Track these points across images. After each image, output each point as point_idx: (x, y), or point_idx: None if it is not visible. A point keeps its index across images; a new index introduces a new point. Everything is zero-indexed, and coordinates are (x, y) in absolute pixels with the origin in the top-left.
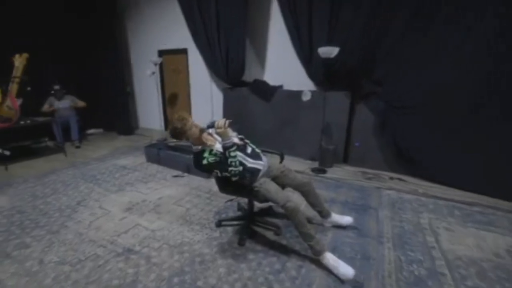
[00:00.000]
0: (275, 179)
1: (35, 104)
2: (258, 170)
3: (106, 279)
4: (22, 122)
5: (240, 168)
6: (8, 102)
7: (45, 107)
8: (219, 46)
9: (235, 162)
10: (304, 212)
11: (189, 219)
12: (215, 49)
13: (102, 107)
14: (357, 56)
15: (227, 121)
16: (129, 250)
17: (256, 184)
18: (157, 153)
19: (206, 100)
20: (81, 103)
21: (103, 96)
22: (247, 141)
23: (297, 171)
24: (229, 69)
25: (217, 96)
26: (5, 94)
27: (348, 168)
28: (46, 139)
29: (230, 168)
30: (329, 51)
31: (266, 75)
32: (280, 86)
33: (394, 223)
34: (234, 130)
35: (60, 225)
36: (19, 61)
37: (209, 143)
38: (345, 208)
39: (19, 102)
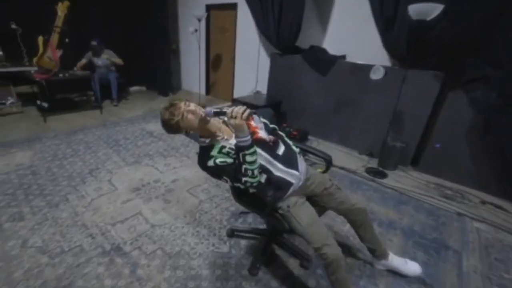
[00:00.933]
0: (313, 197)
1: (74, 57)
2: (289, 184)
3: None
4: (60, 75)
5: (260, 178)
6: (49, 52)
7: (81, 62)
8: (272, 0)
9: (251, 170)
10: (343, 232)
11: (198, 218)
12: (267, 4)
13: (146, 64)
14: (467, 23)
15: (247, 111)
16: (118, 249)
17: (282, 205)
18: None
19: (251, 67)
20: (117, 60)
21: (147, 52)
22: (281, 133)
23: (345, 170)
24: (281, 30)
25: (265, 63)
26: (46, 44)
27: (418, 176)
28: (87, 94)
29: (244, 178)
30: (426, 10)
31: (327, 41)
32: (342, 57)
33: (489, 285)
34: (259, 121)
35: (62, 197)
36: (61, 10)
37: (224, 135)
38: (408, 241)
39: (59, 53)
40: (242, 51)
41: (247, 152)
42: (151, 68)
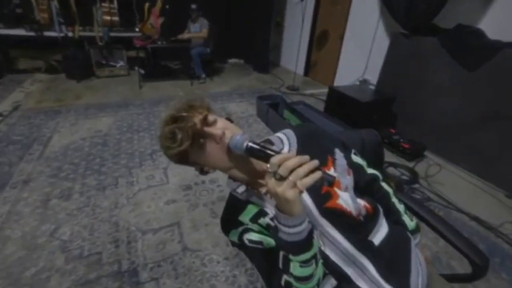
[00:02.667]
0: None
1: (173, 25)
2: None
3: None
4: (159, 43)
5: None
6: (151, 19)
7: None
8: None
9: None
10: None
11: (241, 255)
12: None
13: (246, 36)
14: None
15: (317, 173)
16: (133, 274)
17: None
18: (266, 111)
19: (362, 48)
20: (203, 33)
21: (248, 23)
22: (387, 189)
23: (478, 222)
24: (414, 3)
25: (381, 45)
26: (150, 11)
27: None
28: (186, 63)
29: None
30: None
31: (488, 19)
32: (509, 44)
33: None
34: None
35: (113, 179)
36: None
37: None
38: None
39: (160, 20)
40: (354, 28)
41: (293, 258)
42: (250, 40)
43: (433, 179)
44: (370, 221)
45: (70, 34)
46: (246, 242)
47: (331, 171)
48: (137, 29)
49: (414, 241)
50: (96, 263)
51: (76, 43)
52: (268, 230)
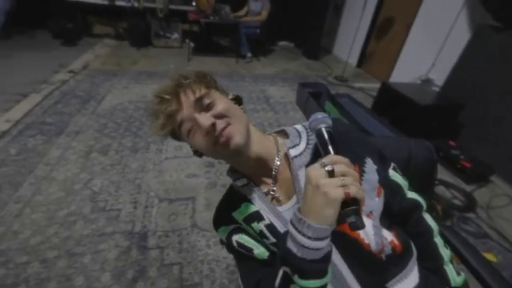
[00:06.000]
0: None
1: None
2: None
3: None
4: (211, 17)
5: None
6: None
7: (243, 10)
8: None
9: None
10: None
11: None
12: None
13: (299, 18)
14: None
15: (363, 196)
16: (142, 238)
17: None
18: (306, 100)
19: (433, 41)
20: (262, 15)
21: (305, 3)
22: (431, 224)
23: None
24: None
25: (458, 39)
26: None
27: None
28: (231, 40)
29: None
30: None
31: None
32: None
33: None
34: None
35: (146, 144)
36: None
37: (276, 189)
38: None
39: None
40: (427, 15)
41: (298, 281)
42: (304, 23)
43: (496, 212)
44: (395, 263)
45: (136, 4)
46: (234, 244)
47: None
48: (193, 3)
49: None
50: (114, 219)
51: (140, 14)
52: (261, 237)
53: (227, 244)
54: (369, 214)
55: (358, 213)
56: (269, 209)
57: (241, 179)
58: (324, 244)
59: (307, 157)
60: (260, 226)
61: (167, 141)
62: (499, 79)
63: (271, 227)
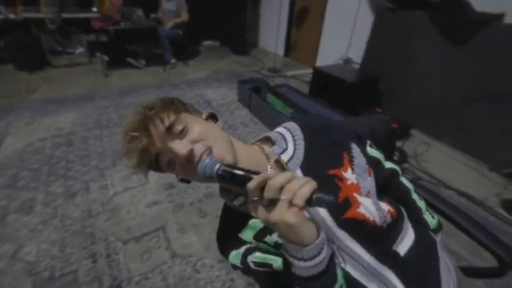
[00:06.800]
0: None
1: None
2: None
3: None
4: (122, 24)
5: None
6: None
7: (157, 13)
8: None
9: None
10: None
11: None
12: None
13: (220, 14)
14: None
15: (308, 185)
16: None
17: None
18: (249, 97)
19: (345, 25)
20: (183, 16)
21: (221, 0)
22: (408, 185)
23: (466, 197)
24: None
25: (364, 22)
26: None
27: None
28: (155, 47)
29: None
30: None
31: None
32: (498, 16)
33: None
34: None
35: (84, 184)
36: None
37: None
38: None
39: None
40: (335, 3)
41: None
42: (225, 20)
43: (422, 158)
44: (394, 228)
45: (12, 16)
46: (252, 266)
47: (348, 173)
48: (94, 9)
49: (439, 243)
50: (71, 284)
51: (20, 27)
52: (277, 248)
53: (244, 268)
54: (368, 194)
55: (317, 198)
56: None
57: (238, 197)
58: (322, 256)
59: (299, 158)
60: (274, 238)
61: (110, 174)
62: (401, 50)
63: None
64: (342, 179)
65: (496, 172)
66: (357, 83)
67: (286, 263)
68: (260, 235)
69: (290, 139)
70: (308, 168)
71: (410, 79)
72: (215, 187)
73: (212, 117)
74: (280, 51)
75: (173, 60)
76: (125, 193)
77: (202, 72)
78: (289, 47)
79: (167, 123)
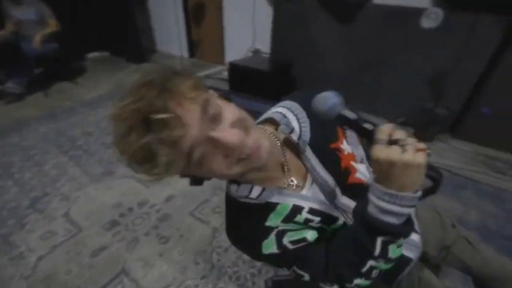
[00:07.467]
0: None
1: None
2: (407, 262)
3: None
4: None
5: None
6: None
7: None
8: None
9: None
10: None
11: (216, 261)
12: None
13: (104, 20)
14: None
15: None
16: None
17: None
18: None
19: (245, 17)
20: (51, 24)
21: (103, 3)
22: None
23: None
24: None
25: (265, 12)
26: None
27: (459, 146)
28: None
29: (356, 280)
30: None
31: None
32: None
33: None
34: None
35: None
36: None
37: (294, 179)
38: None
39: None
40: None
41: (397, 241)
42: (110, 26)
43: None
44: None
45: None
46: (289, 246)
47: (344, 145)
48: None
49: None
50: None
51: None
52: (306, 224)
53: (280, 252)
54: (361, 161)
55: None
56: (299, 197)
57: (255, 188)
58: (409, 208)
59: (306, 135)
60: (303, 215)
61: (20, 238)
62: (304, 36)
63: (312, 211)
64: (340, 151)
65: (392, 123)
66: (274, 71)
67: (321, 229)
68: (289, 217)
69: (292, 117)
70: (315, 145)
71: (315, 60)
72: (166, 208)
73: (227, 97)
74: (185, 52)
75: (17, 91)
76: (54, 252)
77: (101, 88)
78: (193, 47)
79: (199, 101)
